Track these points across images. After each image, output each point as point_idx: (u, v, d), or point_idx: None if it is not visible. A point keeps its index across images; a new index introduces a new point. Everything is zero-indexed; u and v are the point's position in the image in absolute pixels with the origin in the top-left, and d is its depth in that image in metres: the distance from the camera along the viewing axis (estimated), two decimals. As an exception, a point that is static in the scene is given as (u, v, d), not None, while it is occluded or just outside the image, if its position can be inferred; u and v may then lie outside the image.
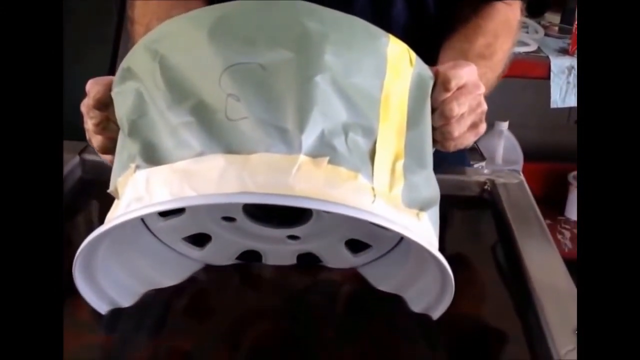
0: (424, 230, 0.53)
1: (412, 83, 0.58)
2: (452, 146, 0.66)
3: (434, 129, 0.61)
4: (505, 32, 0.84)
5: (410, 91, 0.57)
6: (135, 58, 0.57)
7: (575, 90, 1.52)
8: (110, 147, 0.63)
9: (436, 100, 0.62)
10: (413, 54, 0.59)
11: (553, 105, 1.52)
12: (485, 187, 0.86)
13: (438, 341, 0.63)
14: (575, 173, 1.96)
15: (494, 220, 0.82)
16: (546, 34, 1.72)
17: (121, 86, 0.57)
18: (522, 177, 0.88)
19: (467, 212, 0.86)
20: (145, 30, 0.79)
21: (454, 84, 0.61)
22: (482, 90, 0.65)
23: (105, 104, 0.60)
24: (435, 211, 0.56)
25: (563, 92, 1.54)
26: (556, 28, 1.78)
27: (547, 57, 1.58)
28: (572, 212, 1.99)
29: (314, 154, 0.49)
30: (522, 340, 0.63)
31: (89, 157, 0.83)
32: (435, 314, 0.61)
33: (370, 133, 0.52)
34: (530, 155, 1.95)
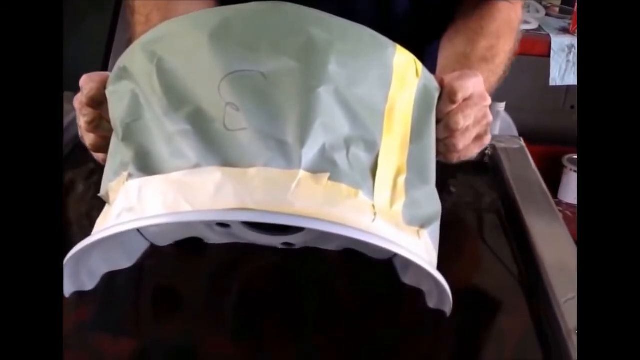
0: (423, 248, 0.52)
1: (418, 95, 0.56)
2: (456, 158, 0.66)
3: (438, 140, 0.60)
4: (507, 32, 0.84)
5: (415, 103, 0.56)
6: (132, 58, 0.55)
7: (574, 69, 1.52)
8: (102, 146, 0.61)
9: (441, 112, 0.60)
10: (419, 65, 0.57)
11: (552, 83, 1.53)
12: (487, 151, 0.87)
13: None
14: (569, 156, 1.98)
15: (495, 183, 0.83)
16: (547, 14, 1.73)
17: (116, 85, 0.55)
18: (522, 142, 0.90)
19: (469, 176, 0.87)
20: (145, 20, 0.79)
21: (460, 96, 0.60)
22: (488, 102, 0.64)
23: (98, 102, 0.59)
24: (436, 227, 0.55)
25: (562, 70, 1.55)
26: (557, 9, 1.79)
27: (548, 35, 1.58)
28: (565, 194, 2.00)
29: (314, 170, 0.47)
30: (521, 292, 0.65)
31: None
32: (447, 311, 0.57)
33: (372, 147, 0.51)
34: (525, 137, 1.94)
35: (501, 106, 1.88)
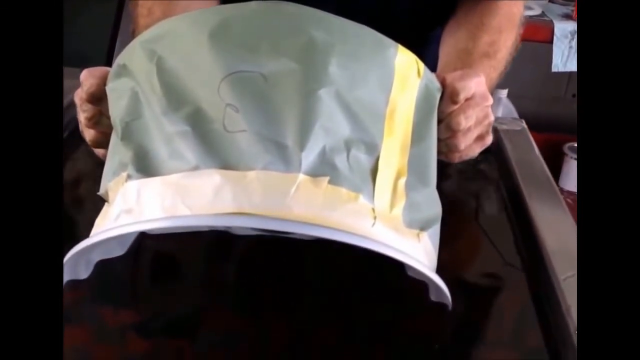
0: (423, 252, 0.52)
1: (419, 96, 0.56)
2: (457, 157, 0.66)
3: (439, 140, 0.59)
4: (508, 27, 0.84)
5: (416, 104, 0.55)
6: (132, 56, 0.54)
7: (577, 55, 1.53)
8: (102, 142, 0.61)
9: (443, 112, 0.60)
10: (421, 65, 0.57)
11: (554, 69, 1.53)
12: (489, 133, 0.87)
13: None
14: (570, 144, 1.98)
15: (497, 165, 0.83)
16: (550, 0, 1.73)
17: (116, 82, 0.55)
18: (524, 124, 0.90)
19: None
20: (147, 13, 0.79)
21: (462, 97, 0.60)
22: (490, 102, 0.64)
23: (98, 98, 0.59)
24: (436, 229, 0.55)
25: (565, 56, 1.55)
26: (560, -4, 1.79)
27: (551, 21, 1.58)
28: (566, 182, 2.01)
29: (314, 173, 0.47)
30: (521, 271, 0.65)
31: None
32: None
33: (373, 149, 0.50)
34: (527, 124, 1.96)
35: (503, 93, 1.88)
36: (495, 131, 0.87)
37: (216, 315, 0.57)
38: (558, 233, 0.66)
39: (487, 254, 0.69)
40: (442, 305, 0.53)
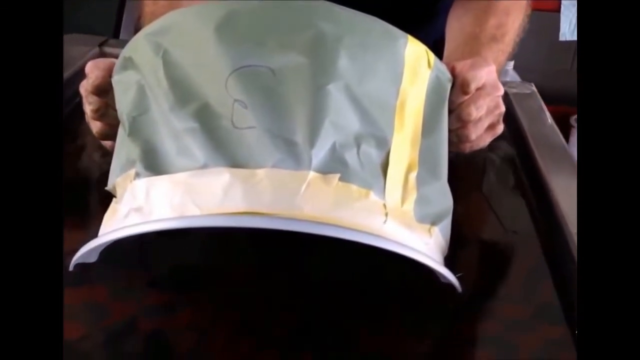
0: (435, 247, 0.52)
1: (430, 87, 0.55)
2: (468, 148, 0.65)
3: (449, 131, 0.58)
4: (516, 8, 0.83)
5: (427, 96, 0.55)
6: (137, 48, 0.54)
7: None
8: (109, 134, 0.61)
9: (453, 103, 0.60)
10: (432, 55, 0.56)
11: (562, 37, 1.52)
12: (498, 97, 0.87)
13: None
14: (576, 116, 1.97)
15: (506, 126, 0.83)
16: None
17: (122, 74, 0.55)
18: (534, 87, 0.90)
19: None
20: (152, 3, 0.79)
21: (473, 87, 0.60)
22: (501, 91, 0.64)
23: (104, 90, 0.58)
24: (447, 222, 0.54)
25: (572, 25, 1.54)
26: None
27: (559, -12, 1.57)
28: (573, 153, 2.00)
29: (325, 170, 0.46)
30: (537, 240, 0.65)
31: (109, 49, 0.84)
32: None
33: (383, 143, 0.50)
34: (534, 96, 1.96)
35: (510, 65, 1.87)
36: (505, 95, 0.87)
37: (231, 269, 0.58)
38: (570, 191, 0.66)
39: (500, 212, 0.69)
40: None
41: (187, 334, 0.51)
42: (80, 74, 0.63)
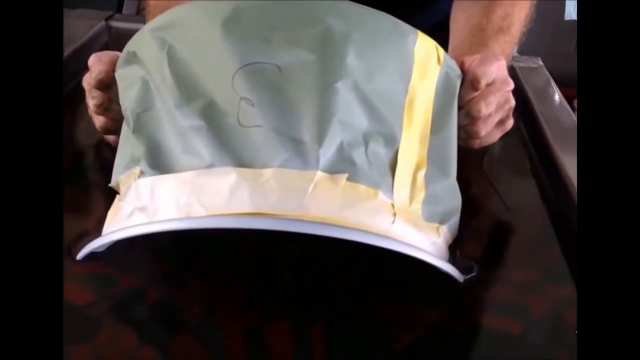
0: (443, 247, 0.52)
1: (439, 84, 0.54)
2: (477, 144, 0.65)
3: (458, 127, 0.57)
4: None
5: (436, 92, 0.54)
6: (142, 44, 0.53)
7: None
8: (113, 128, 0.61)
9: (462, 99, 0.59)
10: (441, 51, 0.55)
11: (567, 17, 1.51)
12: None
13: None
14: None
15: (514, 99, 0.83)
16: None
17: (125, 69, 0.54)
18: (540, 62, 0.89)
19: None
20: None
21: (483, 83, 0.59)
22: (511, 86, 0.63)
23: (107, 85, 0.58)
24: (455, 221, 0.54)
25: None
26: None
27: (563, -34, 1.56)
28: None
29: (332, 170, 0.46)
30: (541, 201, 0.65)
31: (115, 24, 0.83)
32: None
33: (392, 142, 0.49)
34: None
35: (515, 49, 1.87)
36: (512, 69, 0.87)
37: (239, 240, 0.57)
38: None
39: (506, 190, 0.69)
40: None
41: (195, 305, 0.50)
42: (87, 48, 0.63)
